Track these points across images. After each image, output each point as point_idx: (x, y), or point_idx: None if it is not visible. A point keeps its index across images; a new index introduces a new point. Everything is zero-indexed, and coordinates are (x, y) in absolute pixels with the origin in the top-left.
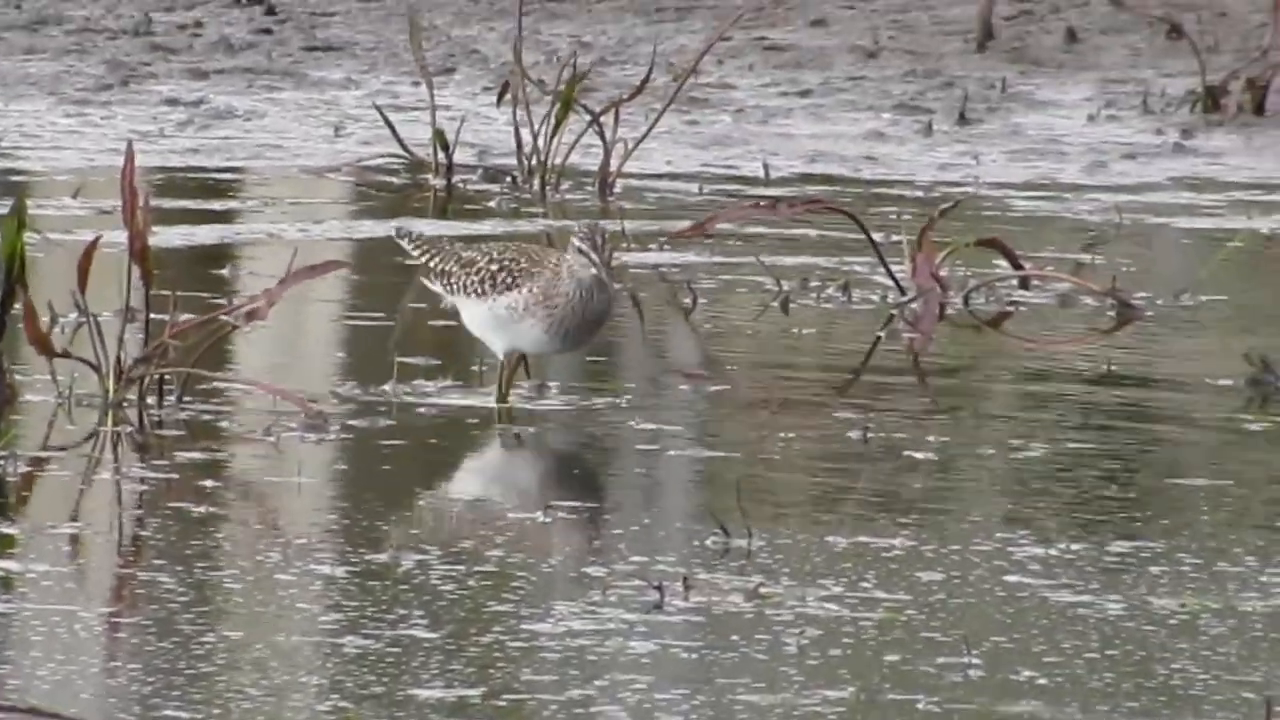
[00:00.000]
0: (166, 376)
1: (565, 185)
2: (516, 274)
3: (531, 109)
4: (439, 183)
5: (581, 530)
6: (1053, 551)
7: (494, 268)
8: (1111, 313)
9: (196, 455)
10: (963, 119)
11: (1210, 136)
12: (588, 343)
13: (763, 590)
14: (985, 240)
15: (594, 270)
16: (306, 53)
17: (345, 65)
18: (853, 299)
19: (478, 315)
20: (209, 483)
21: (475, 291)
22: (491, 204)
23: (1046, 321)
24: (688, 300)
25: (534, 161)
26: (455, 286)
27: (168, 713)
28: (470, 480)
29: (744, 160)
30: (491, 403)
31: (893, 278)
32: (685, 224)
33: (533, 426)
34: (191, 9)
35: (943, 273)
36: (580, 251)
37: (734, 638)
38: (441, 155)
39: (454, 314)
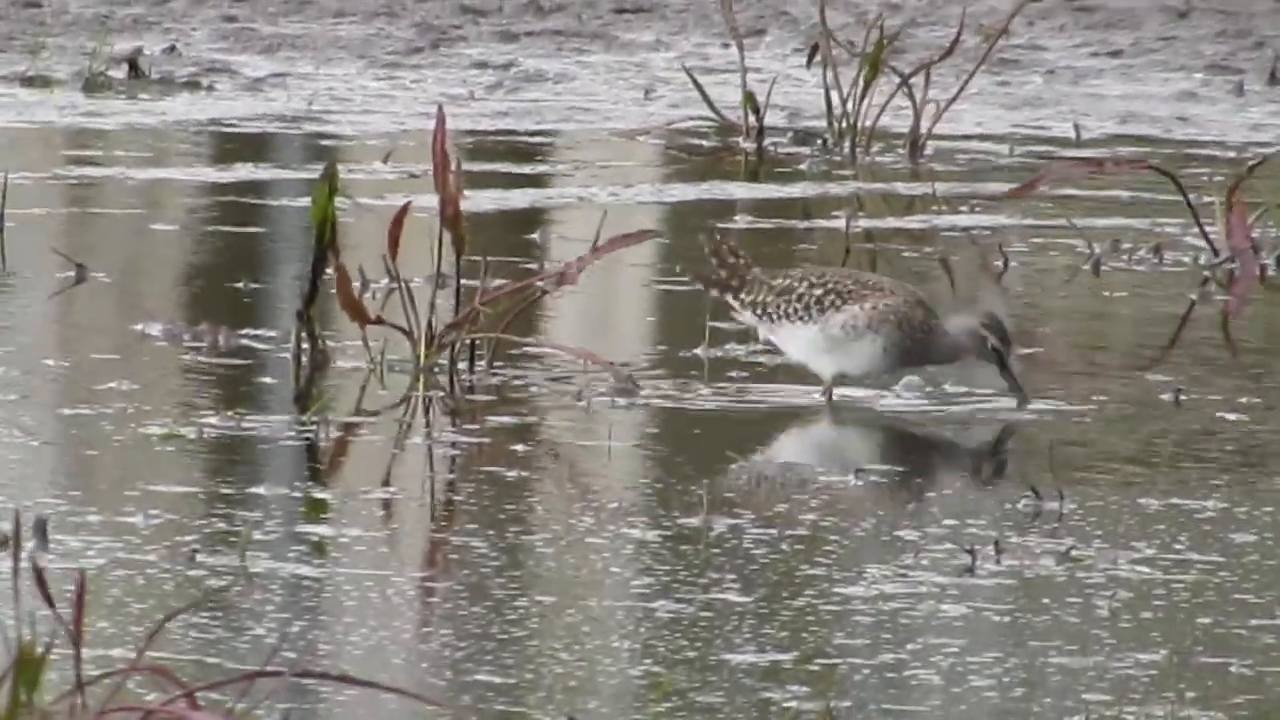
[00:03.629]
0: (477, 342)
1: (875, 148)
2: (844, 294)
3: (841, 71)
4: (749, 145)
5: (893, 494)
6: None
7: (817, 291)
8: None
9: (507, 420)
10: (1274, 79)
11: None
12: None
13: (1074, 553)
14: None
15: (999, 370)
16: (616, 15)
17: (655, 27)
18: (1164, 261)
19: (805, 338)
20: (520, 447)
21: (800, 317)
22: (802, 167)
23: None
24: (999, 263)
25: (844, 124)
26: (775, 313)
27: (480, 677)
28: (782, 444)
29: (1054, 121)
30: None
31: (1207, 239)
32: (997, 186)
33: (844, 389)
34: None
35: (1255, 234)
36: (994, 350)
37: (1045, 601)
38: (752, 118)
39: (762, 342)
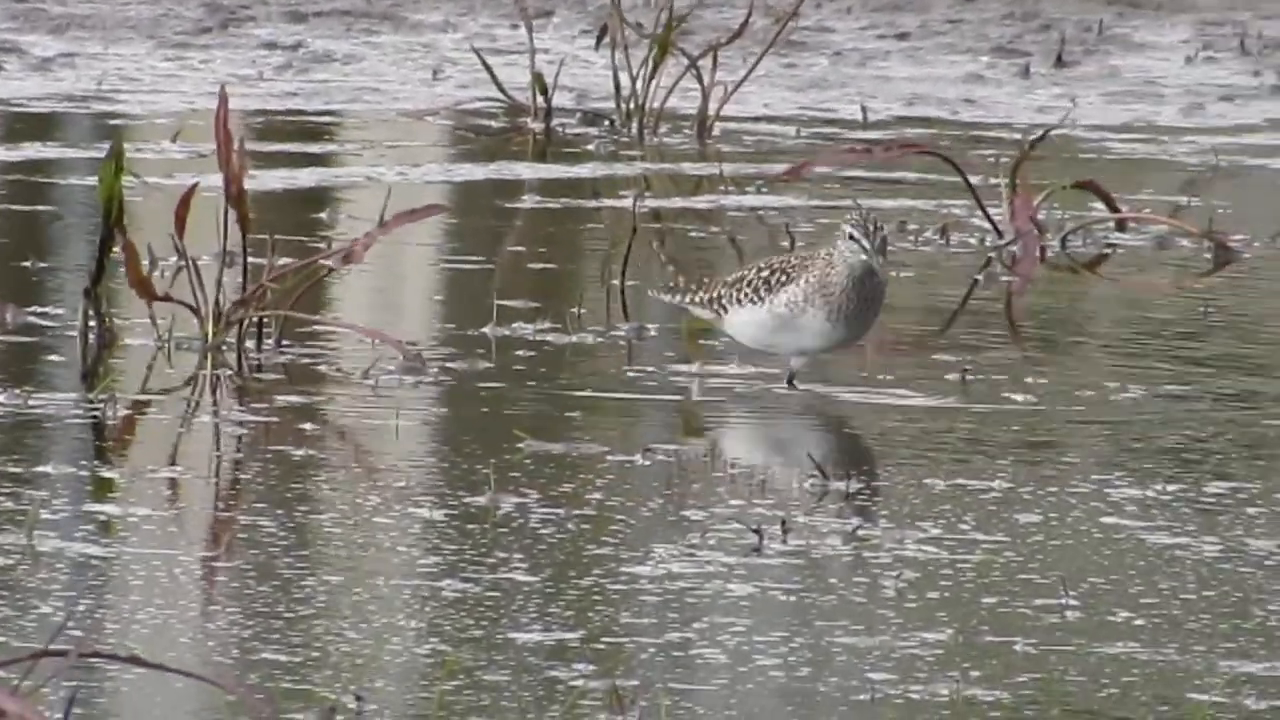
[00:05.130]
0: (265, 320)
1: (663, 129)
2: (789, 272)
3: (630, 52)
4: (537, 126)
5: (680, 473)
6: (1149, 493)
7: (765, 274)
8: (1209, 255)
9: (295, 398)
10: (1060, 62)
11: None
12: (865, 331)
13: (861, 533)
14: (1082, 183)
15: (864, 256)
16: None
17: (443, 8)
18: (950, 242)
19: (755, 320)
20: (308, 426)
21: (751, 299)
22: (590, 148)
23: (1143, 264)
24: (786, 243)
25: (632, 105)
26: (728, 302)
27: (266, 656)
28: (567, 423)
29: (842, 103)
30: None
31: (990, 221)
32: (783, 167)
33: (634, 369)
34: None
35: (1040, 215)
36: (851, 238)
37: (832, 580)
38: (540, 99)
39: (719, 335)
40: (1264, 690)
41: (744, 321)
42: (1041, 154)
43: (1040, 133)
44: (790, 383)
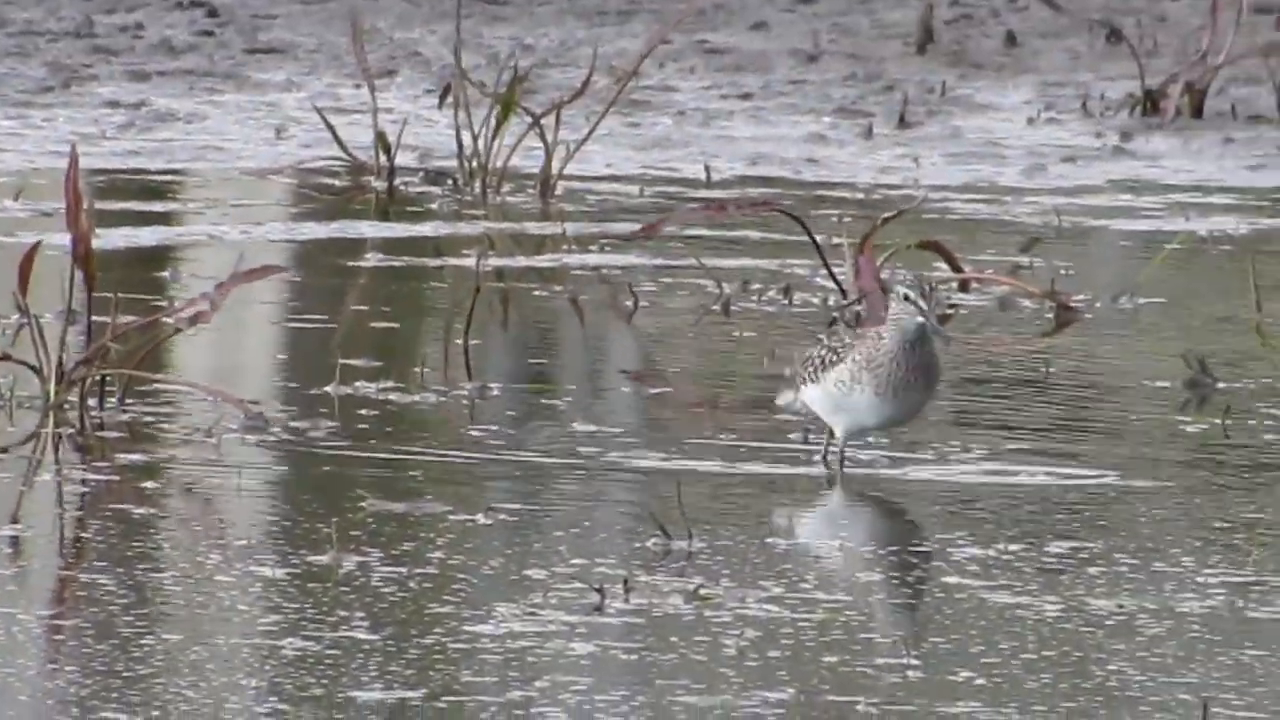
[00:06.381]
0: (108, 379)
1: (506, 188)
2: (840, 350)
3: (473, 111)
4: (380, 185)
5: (522, 532)
6: (991, 552)
7: (823, 352)
8: (1050, 315)
9: (137, 457)
10: (903, 122)
11: (1149, 139)
12: (923, 401)
13: (702, 592)
14: (925, 243)
15: (920, 319)
16: (248, 55)
17: (287, 67)
18: (794, 302)
19: (817, 399)
20: (150, 484)
21: (811, 378)
22: (433, 206)
23: (986, 324)
24: (629, 302)
25: (475, 164)
26: (800, 381)
27: (106, 715)
28: (410, 481)
29: (685, 162)
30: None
31: (835, 281)
32: (627, 226)
33: (477, 428)
34: (133, 11)
35: (883, 275)
36: (907, 299)
37: (674, 639)
38: (383, 158)
39: (800, 413)
40: None
41: (811, 398)
42: (885, 213)
43: (895, 211)
44: (825, 460)
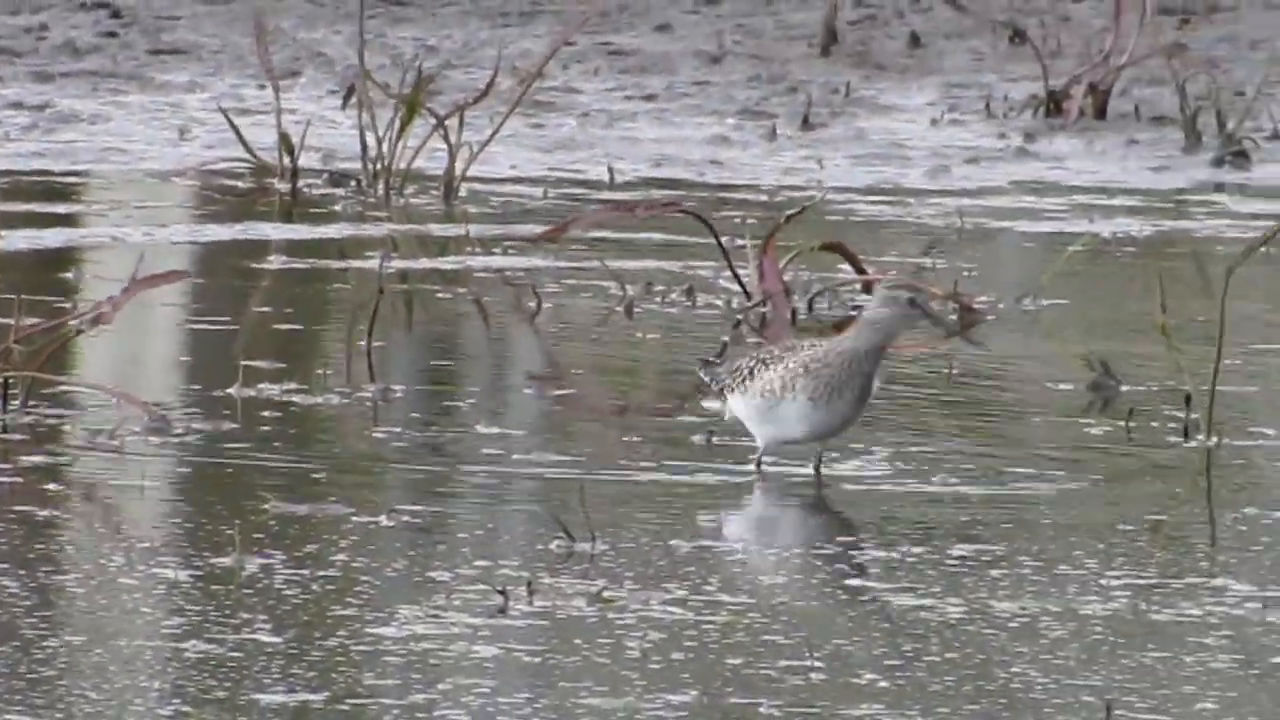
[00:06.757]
0: (10, 380)
1: (410, 189)
2: (769, 360)
3: (377, 113)
4: (284, 187)
5: (425, 534)
6: (894, 554)
7: (752, 362)
8: (953, 316)
9: (40, 459)
10: (806, 123)
11: (1052, 141)
12: (850, 417)
13: (606, 594)
14: (829, 244)
15: (941, 330)
16: (152, 56)
17: (190, 68)
18: (697, 303)
19: (742, 409)
20: (52, 486)
21: (739, 387)
22: (337, 208)
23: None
24: (532, 304)
25: (379, 165)
26: (727, 390)
27: (9, 717)
28: (313, 484)
29: (589, 164)
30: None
31: (740, 282)
32: (531, 228)
33: (380, 430)
34: (37, 12)
35: (786, 277)
36: (913, 304)
37: (577, 641)
38: (287, 159)
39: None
40: None
41: (738, 409)
42: (788, 213)
43: (797, 209)
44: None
